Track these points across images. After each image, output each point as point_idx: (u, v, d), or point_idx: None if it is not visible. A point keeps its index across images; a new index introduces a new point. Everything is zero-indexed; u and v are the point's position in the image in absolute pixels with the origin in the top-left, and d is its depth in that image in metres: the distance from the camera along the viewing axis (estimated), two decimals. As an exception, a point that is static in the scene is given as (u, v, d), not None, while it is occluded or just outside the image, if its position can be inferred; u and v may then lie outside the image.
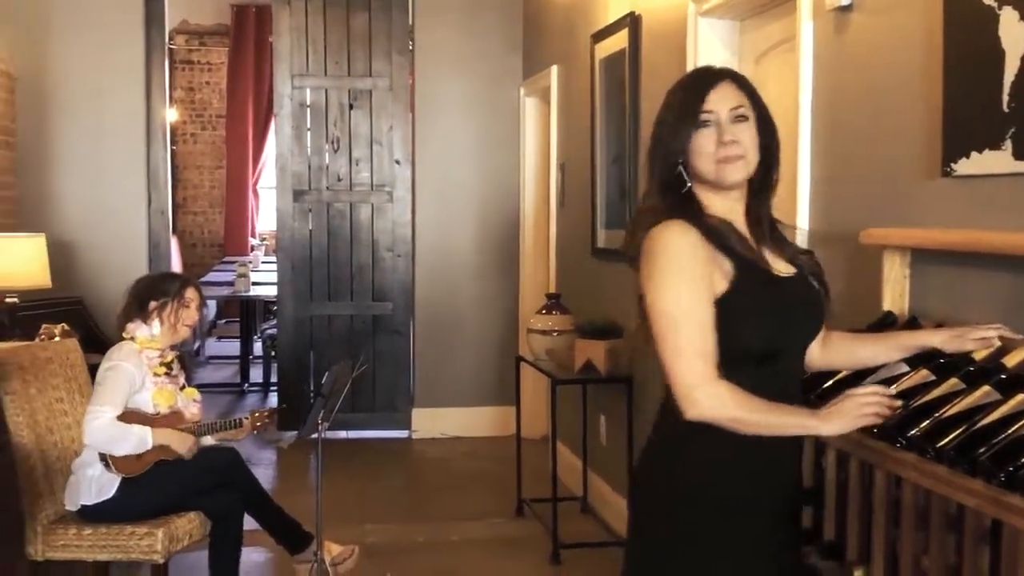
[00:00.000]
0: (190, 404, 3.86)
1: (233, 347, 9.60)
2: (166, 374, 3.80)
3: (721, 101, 2.16)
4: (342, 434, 7.03)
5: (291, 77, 7.07)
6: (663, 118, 2.21)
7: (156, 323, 3.80)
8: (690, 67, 4.16)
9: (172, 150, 10.66)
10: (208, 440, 3.94)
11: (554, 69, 6.31)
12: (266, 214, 11.88)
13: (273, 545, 4.29)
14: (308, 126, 7.13)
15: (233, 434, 3.93)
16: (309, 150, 7.14)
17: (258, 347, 9.18)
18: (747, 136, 2.17)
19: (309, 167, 7.14)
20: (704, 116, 2.15)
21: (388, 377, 7.17)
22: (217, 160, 12.62)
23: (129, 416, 3.64)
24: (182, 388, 3.87)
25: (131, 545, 3.58)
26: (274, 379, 7.94)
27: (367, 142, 7.14)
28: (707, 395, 2.05)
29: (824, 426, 2.06)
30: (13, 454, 3.66)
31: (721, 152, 2.14)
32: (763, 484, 2.17)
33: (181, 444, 3.72)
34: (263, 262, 10.29)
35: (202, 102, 12.72)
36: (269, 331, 8.47)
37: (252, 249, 11.54)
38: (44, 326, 5.16)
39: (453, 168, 7.18)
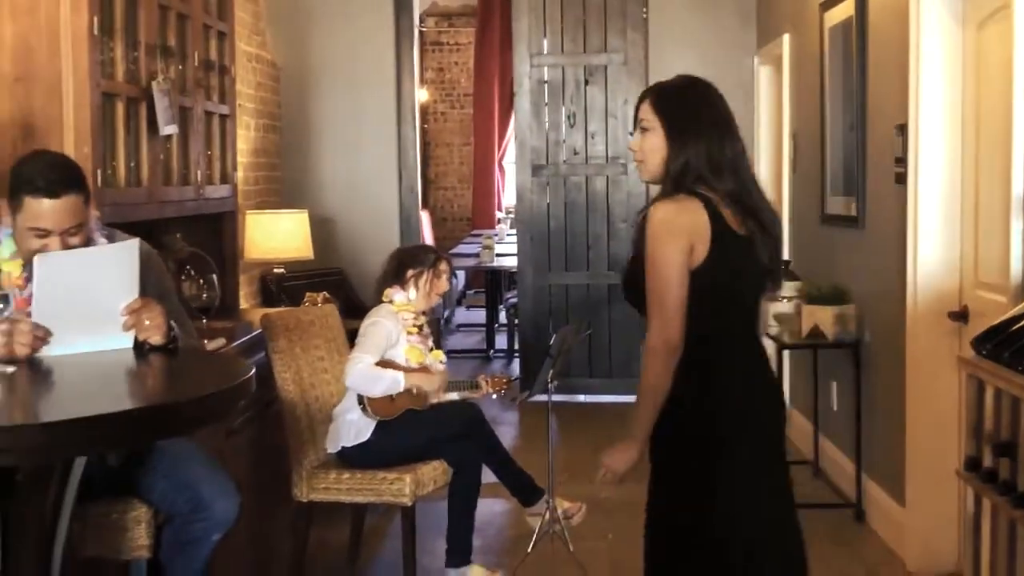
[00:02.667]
0: (436, 364, 4.20)
1: (480, 315, 10.06)
2: (419, 334, 4.16)
3: (639, 114, 2.72)
4: (580, 398, 7.31)
5: (529, 56, 7.37)
6: None
7: (412, 289, 4.17)
8: (913, 35, 4.17)
9: (423, 129, 11.23)
10: (452, 396, 4.27)
11: (786, 38, 6.34)
12: (511, 188, 12.30)
13: (508, 498, 4.60)
14: (546, 102, 7.42)
15: (473, 394, 4.27)
16: (547, 125, 7.43)
17: (503, 315, 9.59)
18: (646, 144, 2.68)
19: (547, 142, 7.43)
20: (635, 123, 2.74)
21: (623, 344, 7.38)
22: (465, 137, 13.14)
23: (384, 364, 4.02)
24: (431, 350, 4.22)
25: (383, 488, 3.94)
26: (517, 346, 8.32)
27: (602, 116, 7.36)
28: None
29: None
30: (281, 406, 4.09)
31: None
32: (760, 427, 2.65)
33: (430, 383, 4.06)
34: (508, 234, 10.70)
35: (451, 82, 13.27)
36: (512, 300, 8.85)
37: (498, 222, 11.99)
38: (308, 294, 5.67)
39: (687, 139, 7.29)
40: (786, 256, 6.11)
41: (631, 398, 7.68)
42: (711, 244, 2.57)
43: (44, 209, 2.77)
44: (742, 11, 7.22)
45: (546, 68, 7.40)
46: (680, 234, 2.56)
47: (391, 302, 4.15)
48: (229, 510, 3.02)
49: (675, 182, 2.63)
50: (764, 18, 7.07)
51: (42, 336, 2.69)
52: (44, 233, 2.79)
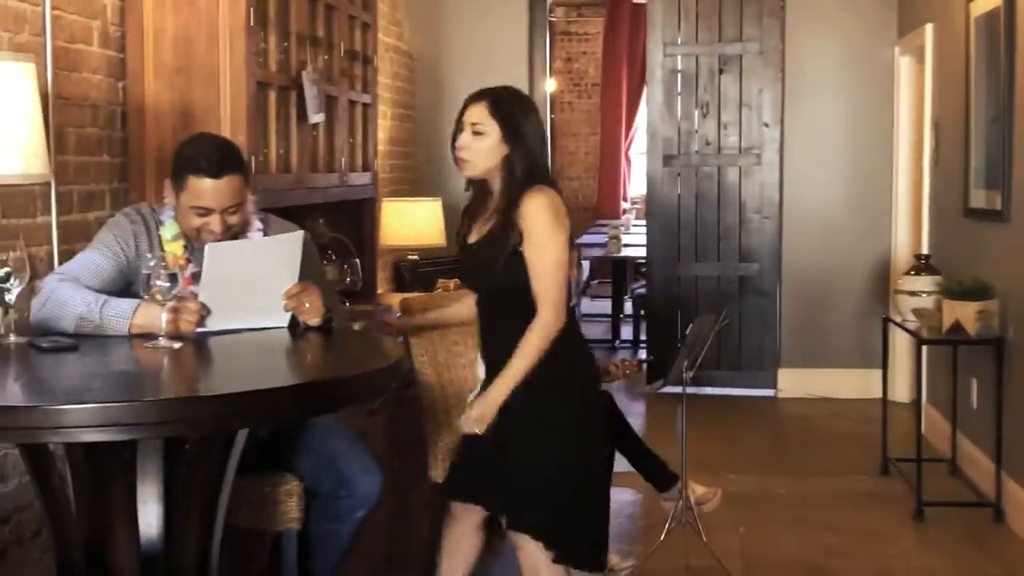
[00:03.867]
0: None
1: (605, 306, 10.07)
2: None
3: (469, 116, 3.08)
4: (708, 390, 7.27)
5: (663, 45, 7.35)
6: None
7: None
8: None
9: (551, 119, 11.26)
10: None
11: (929, 27, 6.21)
12: (637, 179, 12.27)
13: (641, 487, 4.62)
14: (678, 92, 7.39)
15: (602, 381, 4.27)
16: (679, 115, 7.40)
17: (628, 306, 9.59)
18: (478, 146, 3.05)
19: (679, 132, 7.40)
20: (460, 124, 3.10)
21: (754, 337, 7.33)
22: (592, 127, 13.15)
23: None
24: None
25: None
26: (643, 337, 8.32)
27: (736, 106, 7.31)
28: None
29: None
30: (417, 388, 4.18)
31: (455, 151, 3.10)
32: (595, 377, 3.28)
33: None
34: (634, 225, 10.68)
35: (579, 72, 13.29)
36: (639, 290, 8.84)
37: (624, 212, 11.98)
38: (440, 281, 5.75)
39: (823, 129, 7.22)
40: (925, 250, 6.01)
41: (763, 391, 7.62)
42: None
43: (207, 188, 2.88)
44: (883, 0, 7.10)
45: (679, 57, 7.37)
46: (564, 221, 3.06)
47: None
48: (372, 487, 3.11)
49: (526, 178, 3.03)
50: (906, 7, 6.93)
51: (208, 313, 2.81)
52: (206, 212, 2.90)
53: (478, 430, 3.12)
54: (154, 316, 2.71)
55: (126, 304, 2.78)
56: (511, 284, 3.06)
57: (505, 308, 3.12)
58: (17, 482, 3.14)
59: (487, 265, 3.09)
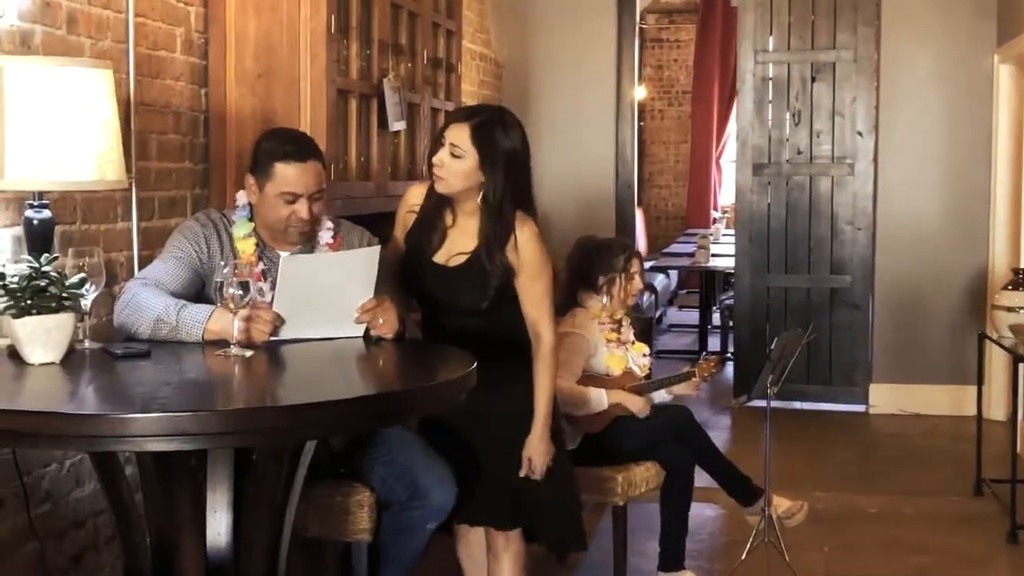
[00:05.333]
0: (639, 359, 4.14)
1: (692, 316, 9.94)
2: (617, 338, 4.08)
3: (449, 135, 3.07)
4: (796, 404, 7.13)
5: (754, 52, 7.22)
6: None
7: (605, 296, 4.03)
8: None
9: (640, 126, 11.17)
10: (662, 396, 4.19)
11: (1030, 34, 6.00)
12: (728, 188, 12.10)
13: (724, 502, 4.52)
14: (769, 99, 7.26)
15: (684, 388, 4.17)
16: (770, 123, 7.27)
17: (717, 317, 9.45)
18: (454, 167, 3.05)
19: (769, 140, 7.26)
20: (441, 139, 3.08)
21: (845, 351, 7.16)
22: (682, 135, 13.01)
23: (585, 380, 3.96)
24: (632, 343, 4.15)
25: (595, 486, 3.91)
26: (731, 348, 8.18)
27: (828, 114, 7.15)
28: None
29: None
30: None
31: (433, 167, 3.08)
32: None
33: (634, 404, 3.99)
34: (723, 234, 10.52)
35: (669, 79, 13.17)
36: (727, 301, 8.71)
37: (714, 222, 11.82)
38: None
39: (919, 139, 7.02)
40: (1024, 264, 5.80)
41: (853, 407, 7.44)
42: None
43: (294, 173, 2.93)
44: (981, 7, 6.87)
45: (771, 65, 7.24)
46: (547, 250, 3.16)
47: (586, 307, 4.04)
48: (445, 499, 3.07)
49: (502, 206, 3.07)
50: (1006, 14, 6.70)
51: (281, 323, 2.80)
52: (293, 198, 2.94)
53: (543, 468, 3.20)
54: (228, 323, 2.71)
55: (202, 310, 2.79)
56: (497, 305, 3.14)
57: (488, 322, 3.15)
58: (93, 486, 3.16)
59: (475, 288, 3.13)
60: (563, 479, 3.29)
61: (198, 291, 2.94)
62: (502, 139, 3.06)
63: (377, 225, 3.72)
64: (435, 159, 3.08)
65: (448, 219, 3.17)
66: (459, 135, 3.05)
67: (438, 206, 3.17)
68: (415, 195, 3.25)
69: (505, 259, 3.10)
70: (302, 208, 2.94)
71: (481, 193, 3.08)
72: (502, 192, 3.06)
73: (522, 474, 3.18)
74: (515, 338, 3.17)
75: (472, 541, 3.41)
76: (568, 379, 3.85)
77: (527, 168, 3.14)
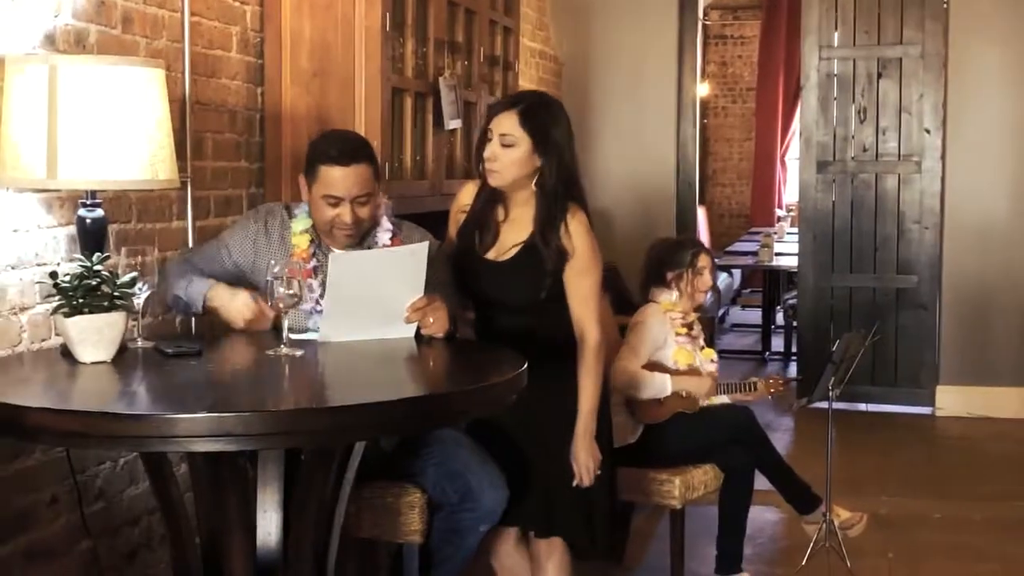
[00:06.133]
0: (707, 363, 4.09)
1: (756, 316, 9.81)
2: (687, 334, 4.05)
3: (497, 125, 3.02)
4: (861, 407, 7.01)
5: (819, 48, 7.10)
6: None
7: (675, 292, 4.05)
8: None
9: (703, 123, 11.07)
10: (723, 399, 4.14)
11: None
12: (793, 186, 11.94)
13: (782, 506, 4.43)
14: (834, 96, 7.14)
15: (747, 396, 4.11)
16: (835, 121, 7.14)
17: (780, 317, 9.33)
18: (507, 157, 2.99)
19: (834, 138, 7.14)
20: (488, 133, 3.04)
21: (911, 352, 7.01)
22: (746, 133, 12.87)
23: (652, 367, 3.94)
24: (701, 348, 4.10)
25: (651, 489, 3.86)
26: (795, 348, 8.07)
27: (895, 111, 7.01)
28: None
29: None
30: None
31: (484, 162, 3.03)
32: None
33: (699, 387, 3.95)
34: (788, 233, 10.38)
35: (733, 76, 13.03)
36: (790, 301, 8.58)
37: (778, 220, 11.67)
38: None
39: (988, 136, 6.85)
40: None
41: (919, 409, 7.31)
42: None
43: (336, 176, 2.91)
44: (1055, -1, 6.71)
45: (836, 61, 7.11)
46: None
47: (657, 302, 4.06)
48: (497, 501, 3.03)
49: (560, 191, 3.03)
50: (1080, 6, 6.53)
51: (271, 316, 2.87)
52: (336, 201, 2.93)
53: (592, 472, 3.13)
54: (225, 299, 2.85)
55: (204, 284, 2.90)
56: (549, 300, 3.09)
57: (538, 321, 3.11)
58: (148, 484, 3.16)
59: (528, 281, 3.08)
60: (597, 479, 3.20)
61: (234, 278, 3.01)
62: (551, 121, 3.04)
63: (434, 224, 3.70)
64: (486, 154, 3.03)
65: (499, 215, 3.13)
66: (508, 123, 3.01)
67: (489, 203, 3.13)
68: (467, 194, 3.21)
69: (559, 243, 3.04)
70: (345, 212, 2.93)
71: (535, 179, 3.04)
72: (557, 173, 3.02)
73: (575, 484, 3.12)
74: (565, 342, 3.11)
75: (503, 552, 3.30)
76: (634, 362, 3.88)
77: (574, 150, 3.10)
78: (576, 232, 3.05)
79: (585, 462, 3.11)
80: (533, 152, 3.00)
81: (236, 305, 2.87)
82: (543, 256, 3.05)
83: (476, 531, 3.05)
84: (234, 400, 2.41)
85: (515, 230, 3.11)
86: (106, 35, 2.98)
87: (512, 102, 3.10)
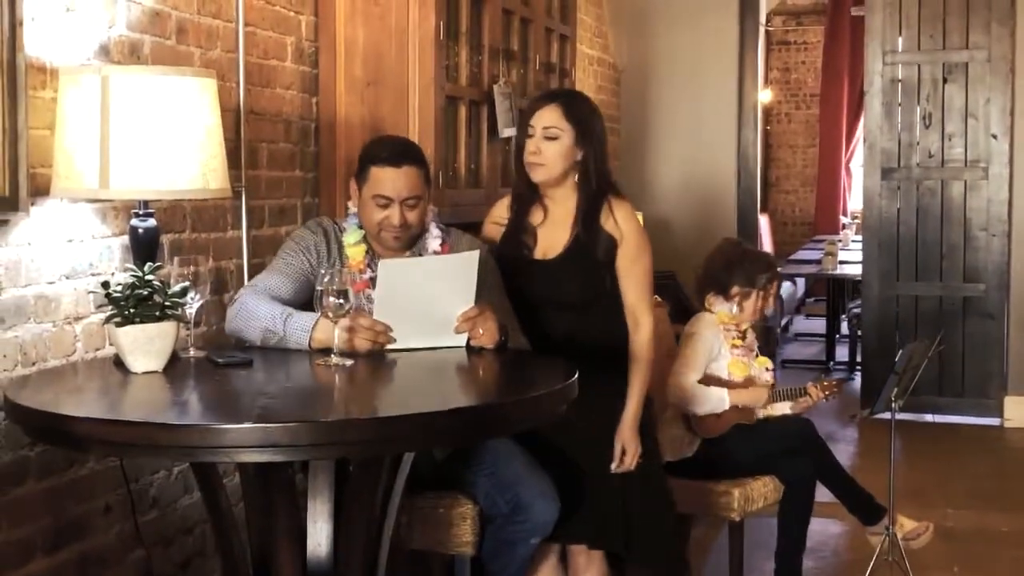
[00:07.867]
0: (763, 372, 4.01)
1: (819, 325, 9.67)
2: (742, 344, 3.96)
3: (540, 119, 3.04)
4: (927, 417, 6.87)
5: (882, 53, 6.99)
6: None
7: (736, 306, 3.91)
8: None
9: (765, 130, 10.96)
10: (784, 409, 4.06)
11: None
12: (857, 193, 11.77)
13: (845, 518, 4.35)
14: (899, 102, 7.02)
15: (803, 403, 4.03)
16: (899, 127, 7.02)
17: (845, 326, 9.18)
18: (551, 149, 3.02)
19: (899, 144, 7.02)
20: (529, 129, 3.05)
21: (978, 362, 6.86)
22: (810, 139, 12.72)
23: (707, 380, 3.87)
24: (756, 357, 4.03)
25: (710, 501, 3.80)
26: (859, 358, 7.94)
27: (961, 116, 6.87)
28: None
29: None
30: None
31: (527, 157, 3.05)
32: None
33: (756, 400, 3.87)
34: (852, 240, 10.23)
35: (796, 82, 12.89)
36: (855, 310, 8.45)
37: (843, 228, 11.51)
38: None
39: (1058, 141, 6.71)
40: None
41: (987, 420, 7.17)
42: None
43: (386, 177, 2.92)
44: None
45: (900, 66, 6.99)
46: None
47: (713, 312, 3.94)
48: (548, 513, 2.99)
49: (602, 182, 3.08)
50: None
51: (382, 331, 2.77)
52: (386, 202, 2.93)
53: (634, 459, 3.13)
54: (333, 332, 2.69)
55: (307, 319, 2.78)
56: (603, 292, 3.11)
57: (594, 317, 3.13)
58: (201, 493, 3.18)
59: (583, 276, 3.10)
60: (657, 491, 3.20)
61: (309, 298, 2.92)
62: (589, 112, 3.11)
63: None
64: (530, 148, 3.06)
65: (537, 218, 3.14)
66: (551, 116, 3.05)
67: (524, 209, 3.15)
68: (502, 207, 3.24)
69: (607, 231, 3.08)
70: (394, 213, 2.93)
71: (578, 171, 3.08)
72: (599, 164, 3.08)
73: (614, 468, 3.11)
74: (614, 345, 3.12)
75: (543, 570, 3.19)
76: (690, 376, 3.80)
77: (606, 141, 3.16)
78: (622, 218, 3.09)
79: (632, 447, 3.11)
80: (575, 144, 3.05)
81: (339, 334, 2.69)
82: (593, 247, 3.07)
83: (528, 543, 3.02)
84: (282, 410, 2.39)
85: (558, 229, 3.12)
86: (160, 45, 3.00)
87: (551, 96, 3.16)
